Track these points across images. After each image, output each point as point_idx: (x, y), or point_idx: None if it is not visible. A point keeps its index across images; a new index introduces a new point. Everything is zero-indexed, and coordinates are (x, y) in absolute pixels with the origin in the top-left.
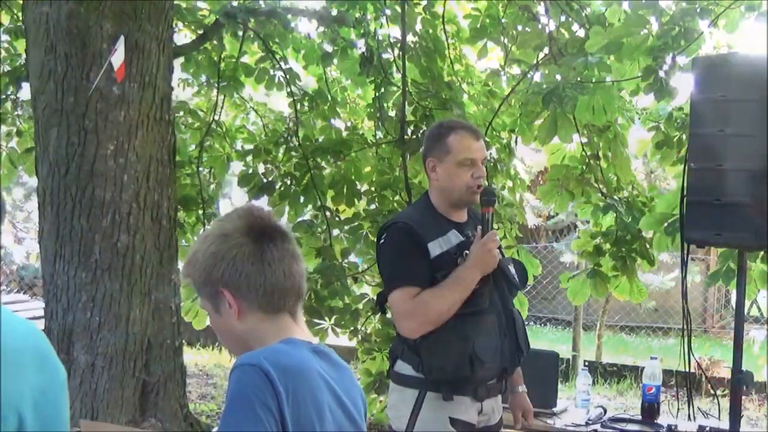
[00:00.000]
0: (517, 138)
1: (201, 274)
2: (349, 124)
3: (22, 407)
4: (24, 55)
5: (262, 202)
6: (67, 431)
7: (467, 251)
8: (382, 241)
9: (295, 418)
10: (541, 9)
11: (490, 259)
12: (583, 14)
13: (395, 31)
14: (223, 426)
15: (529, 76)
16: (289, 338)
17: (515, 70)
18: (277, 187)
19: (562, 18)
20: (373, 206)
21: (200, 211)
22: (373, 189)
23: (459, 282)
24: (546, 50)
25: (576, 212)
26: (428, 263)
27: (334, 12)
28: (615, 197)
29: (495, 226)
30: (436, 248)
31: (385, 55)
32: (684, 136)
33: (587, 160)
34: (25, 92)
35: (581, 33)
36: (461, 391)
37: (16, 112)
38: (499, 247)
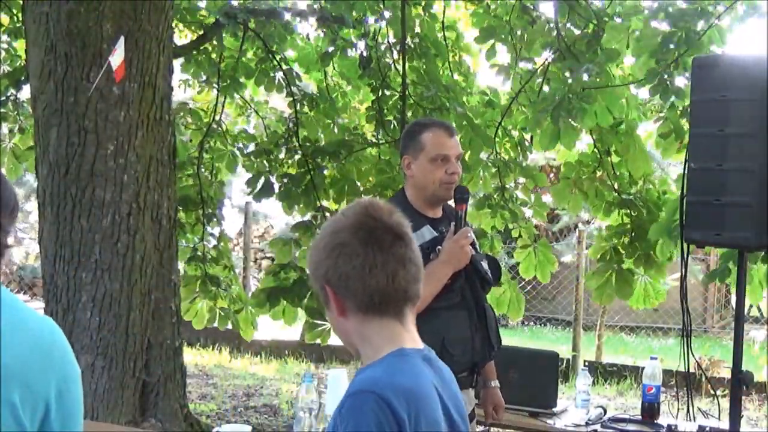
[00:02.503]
0: (531, 137)
1: (311, 269)
2: (348, 124)
3: (49, 397)
4: (24, 56)
5: (267, 204)
6: (81, 422)
7: (440, 247)
8: None
9: None
10: (548, 7)
11: (462, 256)
12: (591, 11)
13: (393, 34)
14: None
15: (536, 75)
16: (401, 348)
17: (523, 66)
18: (277, 188)
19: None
20: None
21: (200, 212)
22: (373, 188)
23: (430, 277)
24: (554, 47)
25: (578, 213)
26: None
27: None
28: (629, 193)
29: (510, 226)
30: None
31: (384, 58)
32: (686, 126)
33: (599, 157)
34: (26, 92)
35: (588, 29)
36: None
37: (17, 112)
38: (473, 244)
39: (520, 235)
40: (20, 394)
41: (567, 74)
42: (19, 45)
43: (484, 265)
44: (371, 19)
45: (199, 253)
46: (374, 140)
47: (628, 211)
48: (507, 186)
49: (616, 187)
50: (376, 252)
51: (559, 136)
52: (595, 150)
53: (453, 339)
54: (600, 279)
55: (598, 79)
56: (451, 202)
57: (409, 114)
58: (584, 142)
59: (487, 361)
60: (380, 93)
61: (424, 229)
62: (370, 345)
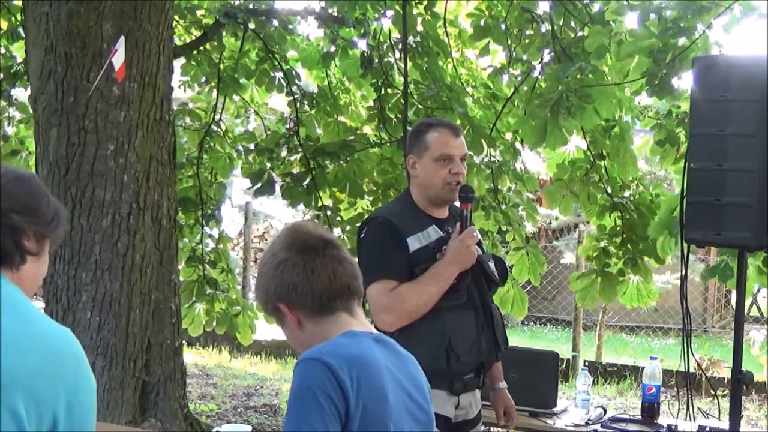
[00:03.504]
0: (522, 140)
1: (260, 295)
2: (351, 124)
3: (57, 409)
4: (18, 57)
5: (267, 204)
6: None
7: (446, 246)
8: (362, 235)
9: (362, 404)
10: (544, 8)
11: (467, 255)
12: (586, 12)
13: (396, 33)
14: (288, 418)
15: (531, 76)
16: (349, 331)
17: (518, 70)
18: (279, 187)
19: (565, 17)
20: (377, 205)
21: (199, 213)
22: (376, 188)
23: (436, 277)
24: (549, 50)
25: (578, 212)
26: (407, 257)
27: (334, 12)
28: (621, 196)
29: (504, 228)
30: (415, 243)
31: (386, 57)
32: (684, 134)
33: (591, 160)
34: (21, 93)
35: (584, 31)
36: (437, 384)
37: (7, 114)
38: (479, 244)
39: (514, 238)
40: (25, 402)
41: (560, 75)
42: (13, 47)
43: (491, 265)
44: (373, 17)
45: (197, 255)
46: (376, 140)
47: (620, 214)
48: (500, 188)
49: (608, 190)
50: (314, 257)
51: (545, 135)
52: (588, 152)
53: (459, 339)
54: (585, 281)
55: (591, 76)
56: (457, 202)
57: (411, 112)
58: (575, 144)
59: (494, 362)
60: (382, 92)
61: (429, 230)
62: (328, 339)
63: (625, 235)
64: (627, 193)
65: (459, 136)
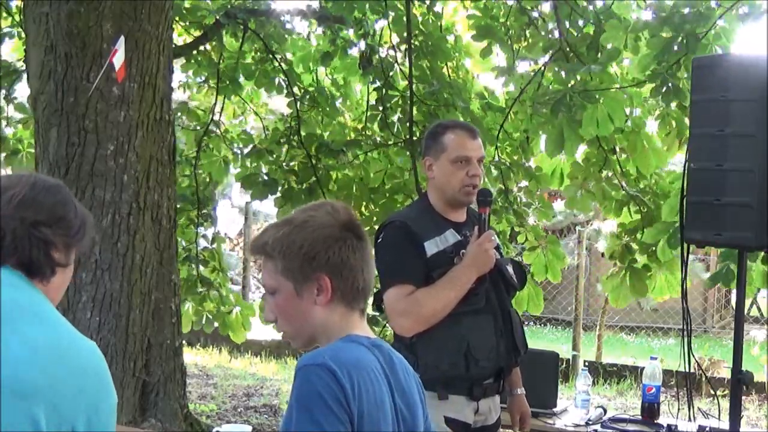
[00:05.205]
0: (528, 138)
1: (299, 255)
2: (351, 125)
3: (77, 422)
4: (8, 59)
5: (267, 204)
6: None
7: (464, 251)
8: (379, 240)
9: (359, 412)
10: (547, 8)
11: (486, 259)
12: (591, 9)
13: (396, 33)
14: (299, 426)
15: (537, 77)
16: (349, 335)
17: (522, 68)
18: (281, 187)
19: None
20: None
21: (195, 212)
22: (383, 192)
23: (454, 281)
24: (556, 49)
25: (575, 213)
26: (424, 262)
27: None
28: (637, 189)
29: (516, 229)
30: (432, 247)
31: (387, 58)
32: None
33: (605, 156)
34: (20, 92)
35: (588, 29)
36: (456, 390)
37: (5, 114)
38: (498, 248)
39: (526, 239)
40: (45, 413)
41: (568, 74)
42: (12, 47)
43: (509, 269)
44: (372, 19)
45: (192, 254)
46: (383, 141)
47: (638, 207)
48: (511, 189)
49: (624, 184)
50: (366, 247)
51: (563, 142)
52: (601, 149)
53: (478, 344)
54: (615, 280)
55: (600, 82)
56: (474, 205)
57: (414, 110)
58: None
59: (513, 366)
60: (383, 92)
61: (447, 233)
62: (328, 335)
63: (645, 230)
64: (642, 184)
65: (476, 138)
